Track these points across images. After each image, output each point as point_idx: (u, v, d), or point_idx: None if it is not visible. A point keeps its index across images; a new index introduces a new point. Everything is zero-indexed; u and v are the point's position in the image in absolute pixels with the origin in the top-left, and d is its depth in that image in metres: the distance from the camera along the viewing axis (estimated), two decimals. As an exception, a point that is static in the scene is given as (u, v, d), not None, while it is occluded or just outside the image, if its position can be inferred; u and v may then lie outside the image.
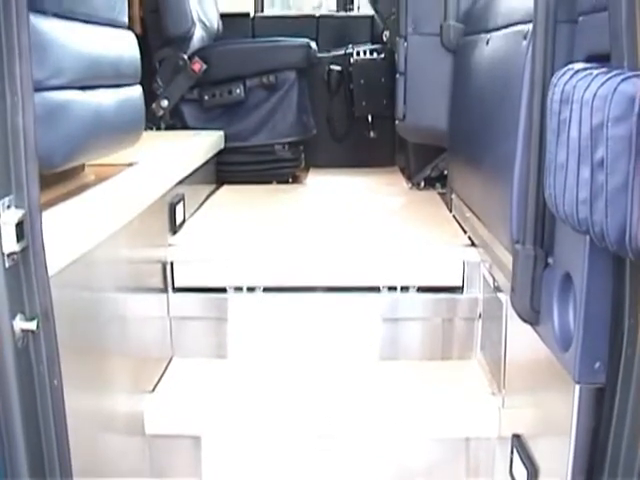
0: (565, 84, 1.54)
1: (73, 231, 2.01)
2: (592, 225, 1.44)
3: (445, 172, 3.90)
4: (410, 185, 4.32)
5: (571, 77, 1.54)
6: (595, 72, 1.47)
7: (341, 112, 5.00)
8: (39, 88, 1.88)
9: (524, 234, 2.01)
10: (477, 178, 2.87)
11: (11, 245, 1.58)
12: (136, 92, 2.64)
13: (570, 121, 1.48)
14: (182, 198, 3.25)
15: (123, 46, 2.56)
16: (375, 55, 4.86)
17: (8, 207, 1.60)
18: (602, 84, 1.41)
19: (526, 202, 1.98)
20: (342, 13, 5.66)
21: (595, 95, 1.41)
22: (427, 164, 4.21)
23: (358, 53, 4.88)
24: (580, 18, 1.90)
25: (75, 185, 2.44)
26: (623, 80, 1.38)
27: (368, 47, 4.93)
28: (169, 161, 3.21)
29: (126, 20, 2.61)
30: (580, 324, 1.72)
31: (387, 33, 4.58)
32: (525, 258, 2.01)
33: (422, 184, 4.26)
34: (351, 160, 5.02)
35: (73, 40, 2.14)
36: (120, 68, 2.48)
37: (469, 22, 3.32)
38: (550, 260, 2.00)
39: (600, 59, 1.68)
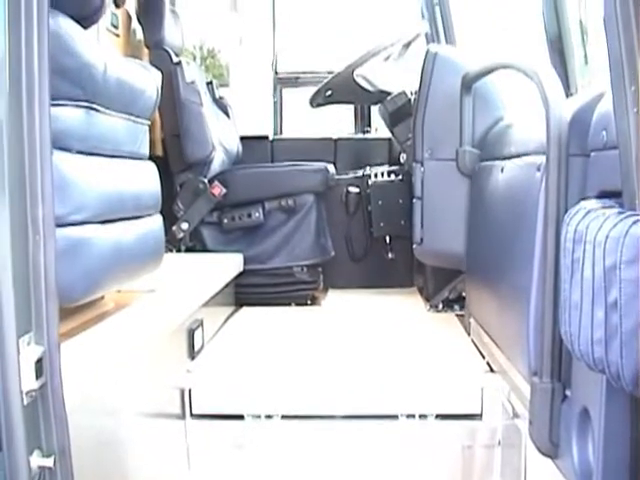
0: (578, 224, 1.56)
1: (91, 364, 2.02)
2: (608, 365, 1.44)
3: (463, 294, 3.91)
4: (428, 307, 4.32)
5: (584, 217, 1.56)
6: (607, 213, 1.50)
7: (359, 233, 5.04)
8: (60, 224, 1.92)
9: (541, 367, 2.01)
10: (494, 304, 2.88)
11: (30, 383, 1.59)
12: (156, 222, 2.68)
13: (583, 261, 1.50)
14: (201, 323, 3.27)
15: (144, 178, 2.61)
16: (393, 177, 4.91)
17: (28, 344, 1.62)
18: (614, 226, 1.43)
19: (542, 335, 1.99)
20: (359, 135, 5.75)
21: (607, 237, 1.43)
22: (445, 285, 4.22)
23: (376, 175, 4.93)
24: (592, 154, 1.94)
25: (94, 314, 2.46)
26: (634, 223, 1.40)
27: (386, 169, 4.99)
28: (188, 287, 3.24)
29: (147, 152, 2.67)
30: (599, 462, 1.71)
31: (404, 155, 4.64)
32: (543, 391, 2.01)
33: (440, 306, 4.27)
34: (369, 281, 5.03)
35: (95, 176, 2.19)
36: (141, 201, 2.53)
37: (484, 148, 3.37)
38: (568, 392, 1.99)
39: (612, 195, 1.71)
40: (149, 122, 2.68)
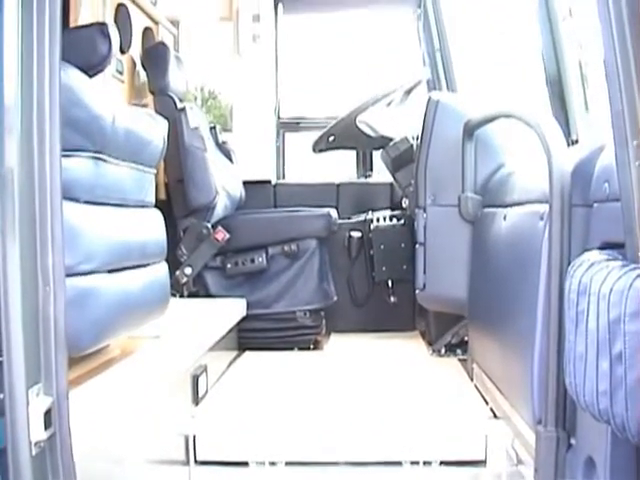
0: (582, 276, 1.58)
1: (98, 413, 2.03)
2: (613, 416, 1.46)
3: (466, 339, 3.92)
4: (431, 351, 4.32)
5: (588, 269, 1.58)
6: (611, 265, 1.51)
7: (361, 277, 5.05)
8: (69, 274, 1.94)
9: (546, 415, 2.02)
10: (497, 351, 2.89)
11: (39, 434, 1.61)
12: (162, 270, 2.70)
13: (588, 313, 1.52)
14: (205, 369, 3.27)
15: (150, 227, 2.64)
16: (395, 221, 4.94)
17: (37, 395, 1.63)
18: (618, 279, 1.45)
19: (547, 384, 2.00)
20: (361, 180, 5.77)
21: (612, 290, 1.45)
22: (448, 330, 4.23)
23: (378, 219, 4.97)
24: (595, 205, 1.96)
25: (101, 361, 2.47)
26: (638, 276, 1.42)
27: (388, 213, 5.02)
28: (192, 333, 3.25)
29: (153, 200, 2.70)
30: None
31: (406, 200, 4.67)
32: (547, 440, 2.02)
33: (443, 350, 4.27)
34: (372, 324, 5.03)
35: (103, 225, 2.22)
36: (147, 249, 2.55)
37: (487, 194, 3.40)
38: (573, 441, 2.00)
39: (615, 246, 1.73)
40: (155, 171, 2.71)
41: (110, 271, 2.23)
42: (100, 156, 2.21)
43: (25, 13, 1.66)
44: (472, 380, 3.53)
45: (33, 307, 1.65)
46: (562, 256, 1.99)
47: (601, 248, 1.79)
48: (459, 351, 4.20)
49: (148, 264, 2.57)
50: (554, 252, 2.01)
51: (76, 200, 2.10)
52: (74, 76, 2.16)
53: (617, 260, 1.56)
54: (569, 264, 1.80)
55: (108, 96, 2.43)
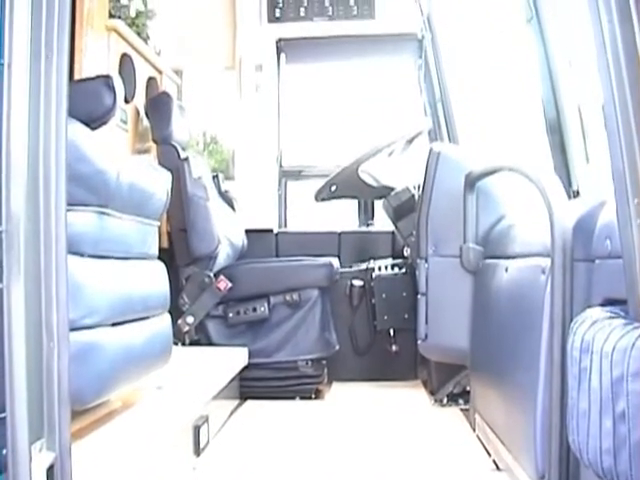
0: (585, 333, 1.59)
1: (100, 466, 2.03)
2: (617, 475, 1.45)
3: (468, 388, 3.91)
4: (433, 401, 4.31)
5: (590, 326, 1.59)
6: (614, 323, 1.52)
7: (363, 326, 5.05)
8: (72, 328, 1.94)
9: (549, 470, 2.02)
10: (500, 402, 2.89)
11: (41, 490, 1.61)
12: (164, 321, 2.71)
13: (591, 371, 1.52)
14: (206, 420, 3.26)
15: (153, 279, 2.65)
16: (396, 270, 4.95)
17: (40, 451, 1.63)
18: (621, 337, 1.46)
19: (550, 439, 2.00)
20: (363, 228, 5.78)
21: (614, 348, 1.45)
22: (449, 379, 4.22)
23: (379, 268, 4.98)
24: (597, 261, 1.97)
25: (102, 412, 2.47)
26: (640, 335, 1.42)
27: (389, 262, 5.03)
28: (194, 383, 3.25)
29: (156, 251, 2.71)
30: None
31: (408, 249, 4.68)
32: (551, 496, 2.01)
33: (445, 400, 4.26)
34: (373, 373, 5.03)
35: (106, 279, 2.23)
36: (150, 302, 2.56)
37: (488, 246, 3.41)
38: (577, 497, 1.99)
39: (617, 302, 1.74)
40: (159, 223, 2.72)
41: (113, 324, 2.23)
42: (104, 210, 2.23)
43: (33, 68, 1.68)
44: (474, 431, 3.52)
45: (37, 363, 1.65)
46: (564, 311, 1.99)
47: (603, 304, 1.80)
48: (461, 401, 4.19)
49: (151, 316, 2.58)
50: (556, 307, 2.02)
51: (80, 254, 2.12)
52: (79, 131, 2.18)
53: (619, 318, 1.57)
54: (571, 319, 1.81)
55: (112, 150, 2.46)
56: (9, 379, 1.61)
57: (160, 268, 2.73)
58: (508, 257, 2.89)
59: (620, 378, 1.42)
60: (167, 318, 2.74)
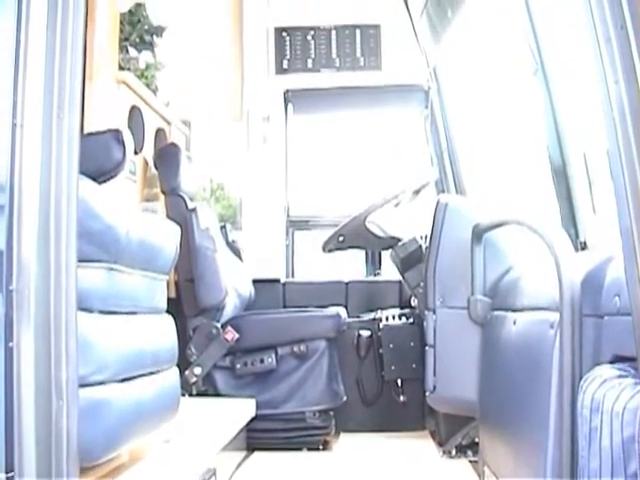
0: (594, 392, 1.59)
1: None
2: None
3: (476, 440, 3.88)
4: (441, 452, 4.28)
5: (600, 385, 1.59)
6: (624, 383, 1.52)
7: (371, 376, 5.04)
8: (81, 384, 1.94)
9: (561, 528, 2.00)
10: (509, 455, 2.86)
11: None
12: (173, 375, 2.70)
13: (601, 431, 1.52)
14: (214, 473, 3.24)
15: (162, 333, 2.65)
16: (404, 319, 4.95)
17: (48, 509, 1.63)
18: (631, 397, 1.45)
19: (561, 497, 1.98)
20: (370, 278, 5.79)
21: (625, 408, 1.45)
22: (458, 430, 4.19)
23: (387, 318, 4.98)
24: (606, 317, 1.97)
25: (110, 467, 2.46)
26: (651, 395, 1.42)
27: (397, 312, 5.03)
28: (201, 435, 3.23)
29: (165, 305, 2.71)
30: None
31: (415, 299, 4.67)
32: None
33: (454, 451, 4.23)
34: (381, 424, 5.00)
35: (115, 334, 2.23)
36: (159, 356, 2.56)
37: (496, 297, 3.40)
38: None
39: (627, 359, 1.73)
40: (168, 277, 2.73)
41: (122, 380, 2.23)
42: (114, 266, 2.24)
43: (45, 128, 1.70)
44: (483, 484, 3.49)
45: (46, 421, 1.65)
46: (574, 368, 1.99)
47: (612, 361, 1.80)
48: (470, 452, 4.16)
49: (160, 371, 2.57)
50: (566, 363, 2.01)
51: (89, 310, 2.12)
52: (89, 187, 2.19)
53: (629, 376, 1.56)
54: (581, 375, 1.81)
55: (121, 203, 2.47)
56: (18, 436, 1.61)
57: (169, 322, 2.73)
58: (516, 310, 2.89)
59: (631, 438, 1.42)
60: (175, 372, 2.74)
